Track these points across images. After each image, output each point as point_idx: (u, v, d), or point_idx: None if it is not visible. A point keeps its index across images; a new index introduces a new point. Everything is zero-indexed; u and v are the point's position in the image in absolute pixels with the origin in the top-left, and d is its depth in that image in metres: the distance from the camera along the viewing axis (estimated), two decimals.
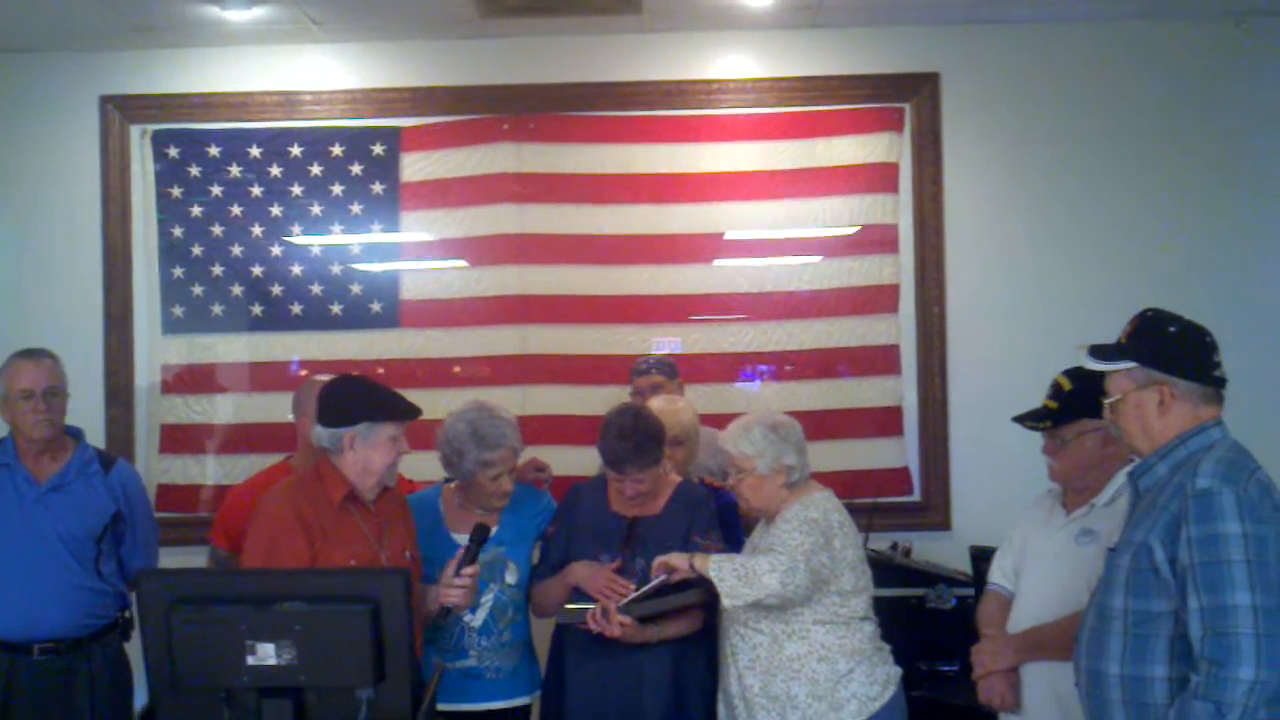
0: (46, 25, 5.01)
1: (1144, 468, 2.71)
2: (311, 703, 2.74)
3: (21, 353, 3.81)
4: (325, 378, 3.96)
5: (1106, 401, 2.75)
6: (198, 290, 5.26)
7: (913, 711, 3.60)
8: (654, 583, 3.44)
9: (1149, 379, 2.66)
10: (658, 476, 3.66)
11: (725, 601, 3.32)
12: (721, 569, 3.32)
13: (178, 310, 5.27)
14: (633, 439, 3.59)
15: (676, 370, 4.63)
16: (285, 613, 2.68)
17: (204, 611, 2.73)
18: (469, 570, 3.36)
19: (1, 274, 5.26)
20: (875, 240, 5.23)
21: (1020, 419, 3.35)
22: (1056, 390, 3.29)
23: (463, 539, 3.64)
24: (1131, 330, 2.73)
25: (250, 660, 2.68)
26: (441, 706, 3.50)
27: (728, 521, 3.75)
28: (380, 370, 5.11)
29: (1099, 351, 2.76)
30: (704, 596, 3.46)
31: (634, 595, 3.45)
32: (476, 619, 3.67)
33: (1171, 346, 2.67)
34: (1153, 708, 2.57)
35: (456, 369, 5.25)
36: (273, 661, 2.67)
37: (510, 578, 3.71)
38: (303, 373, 5.14)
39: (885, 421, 5.19)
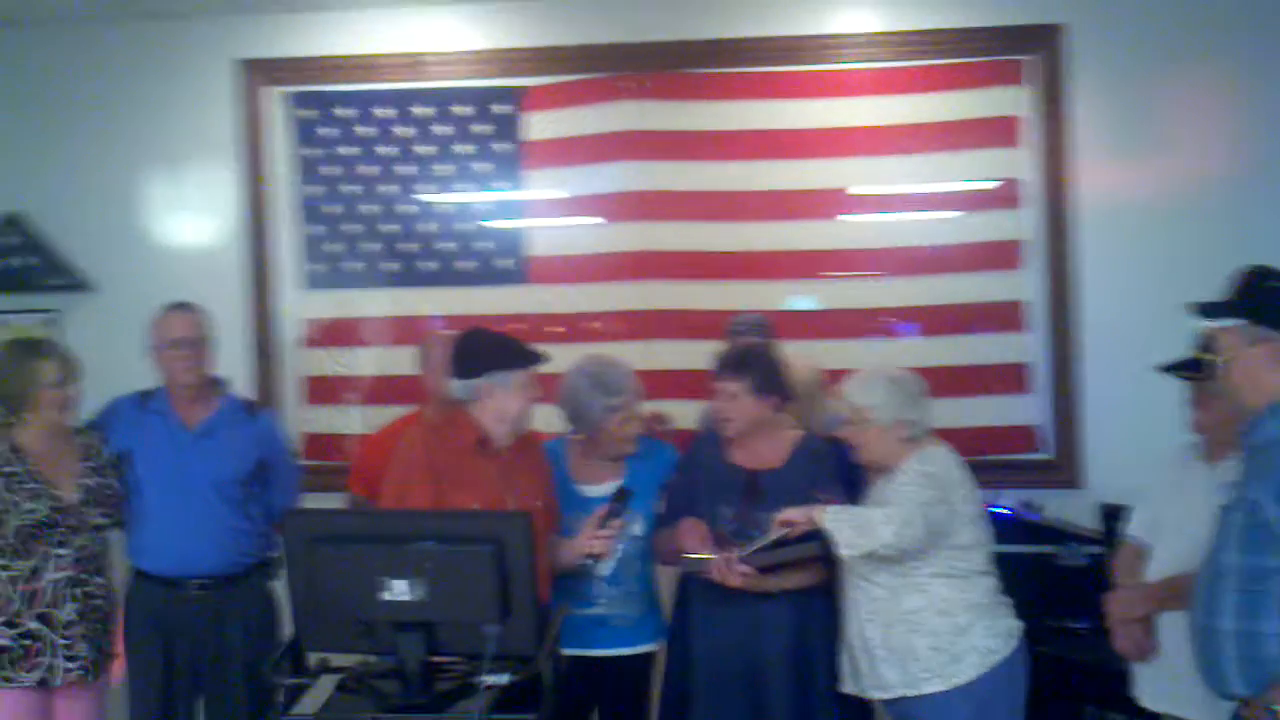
0: None
1: (1255, 424, 2.72)
2: (443, 637, 2.90)
3: (170, 305, 4.01)
4: (449, 333, 4.14)
5: (1216, 359, 2.75)
6: (335, 248, 5.45)
7: (1041, 668, 3.63)
8: (775, 534, 3.50)
9: (1257, 336, 2.66)
10: (748, 409, 3.69)
11: (842, 552, 3.38)
12: (838, 520, 3.39)
13: (317, 267, 5.47)
14: (740, 350, 3.73)
15: (771, 330, 4.64)
16: (416, 552, 2.84)
17: (342, 549, 2.91)
18: (616, 524, 3.52)
19: (149, 235, 5.49)
20: (998, 195, 5.19)
21: (1168, 368, 3.35)
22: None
23: (588, 489, 3.79)
24: (1238, 287, 2.73)
25: (385, 595, 2.85)
26: (570, 652, 3.63)
27: (853, 475, 3.75)
28: (505, 326, 5.19)
29: (1207, 309, 2.77)
30: (824, 549, 3.50)
31: (755, 546, 3.52)
32: (605, 568, 3.78)
33: (1278, 302, 2.67)
34: (1265, 663, 2.60)
35: (582, 323, 5.35)
36: (405, 597, 2.84)
37: (636, 529, 3.80)
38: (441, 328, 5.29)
39: (1012, 378, 5.16)
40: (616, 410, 3.76)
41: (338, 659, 3.09)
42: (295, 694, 3.04)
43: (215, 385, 4.08)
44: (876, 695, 3.52)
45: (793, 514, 3.46)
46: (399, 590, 2.85)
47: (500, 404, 3.50)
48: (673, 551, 3.73)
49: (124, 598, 3.95)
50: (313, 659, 3.09)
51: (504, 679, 2.80)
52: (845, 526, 3.38)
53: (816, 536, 3.49)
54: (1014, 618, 3.54)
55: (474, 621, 2.85)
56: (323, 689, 3.05)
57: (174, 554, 3.89)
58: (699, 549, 3.59)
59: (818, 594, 3.65)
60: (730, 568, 3.51)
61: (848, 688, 3.57)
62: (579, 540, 3.55)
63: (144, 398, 4.02)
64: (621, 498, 3.56)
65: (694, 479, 3.76)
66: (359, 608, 2.89)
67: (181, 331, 3.93)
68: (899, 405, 3.52)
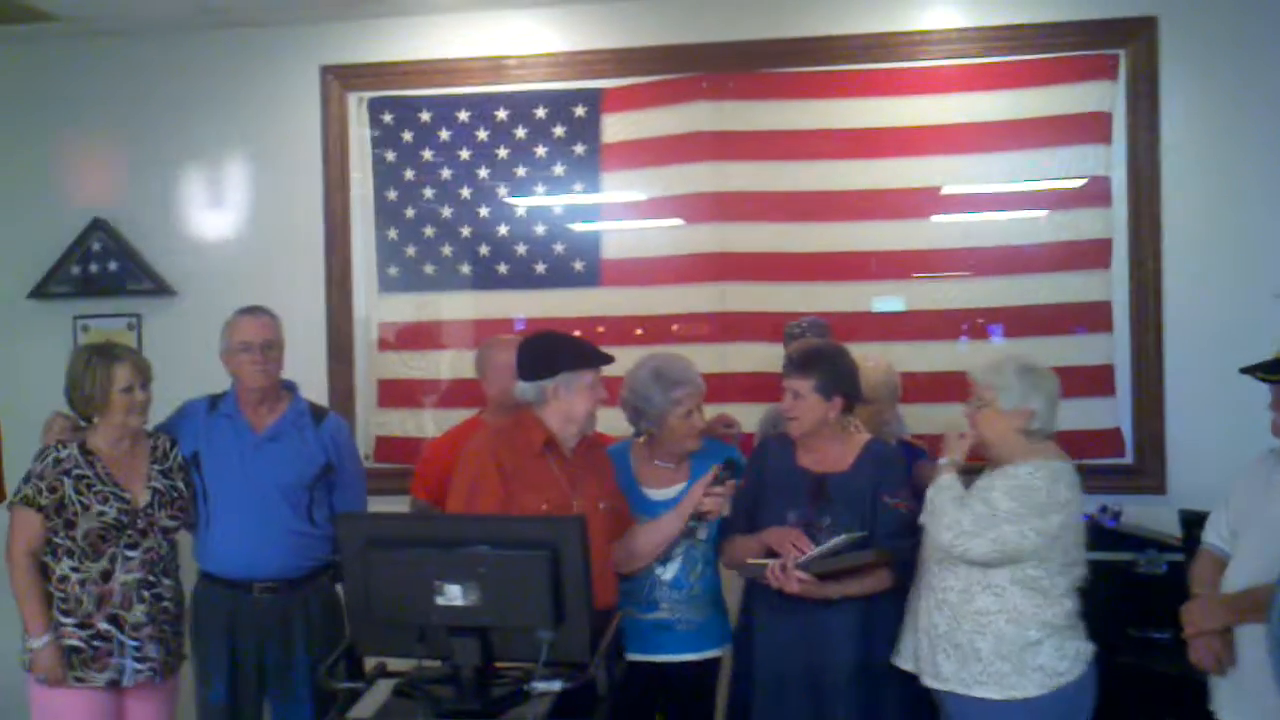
0: (270, 0, 5.25)
1: None
2: (497, 642, 2.87)
3: (243, 310, 4.05)
4: (507, 337, 4.14)
5: None
6: (411, 251, 5.46)
7: (1120, 679, 3.56)
8: (834, 541, 3.45)
9: None
10: (814, 407, 3.63)
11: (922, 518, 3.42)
12: (936, 496, 3.40)
13: (393, 270, 5.48)
14: (809, 349, 3.69)
15: (829, 332, 4.56)
16: (470, 556, 2.82)
17: (395, 553, 2.90)
18: (730, 484, 3.53)
19: (229, 240, 5.55)
20: (1087, 193, 5.02)
21: (1251, 370, 3.24)
22: None
23: (653, 493, 3.78)
24: None
25: (439, 600, 2.82)
26: (634, 657, 3.64)
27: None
28: (579, 329, 5.19)
29: None
30: (884, 556, 3.47)
31: (814, 553, 3.46)
32: (668, 572, 3.77)
33: None
34: None
35: (658, 326, 5.28)
36: (459, 602, 2.82)
37: (701, 532, 3.76)
38: (515, 330, 5.28)
39: (1096, 380, 4.99)
40: (678, 403, 3.73)
41: (395, 663, 3.07)
42: (351, 698, 3.02)
43: (284, 390, 4.09)
44: (930, 683, 3.45)
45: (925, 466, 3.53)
46: (453, 595, 2.83)
47: (567, 405, 3.51)
48: (737, 557, 3.68)
49: (191, 600, 3.98)
50: (370, 663, 3.07)
51: (556, 685, 2.75)
52: (933, 501, 3.39)
53: (876, 544, 3.47)
54: (1087, 640, 3.42)
55: (528, 626, 2.82)
56: (380, 693, 3.03)
57: (239, 557, 3.91)
58: (800, 545, 3.53)
59: (884, 600, 3.58)
60: (787, 574, 3.45)
61: (904, 664, 3.52)
62: (690, 496, 3.55)
63: (214, 401, 4.06)
64: (731, 466, 3.56)
65: (760, 483, 3.71)
66: (413, 612, 2.87)
67: (250, 335, 3.96)
68: (1026, 392, 3.42)
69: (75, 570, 3.67)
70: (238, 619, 3.93)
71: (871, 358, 4.27)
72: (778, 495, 3.67)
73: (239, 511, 3.89)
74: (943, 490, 3.41)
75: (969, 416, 3.51)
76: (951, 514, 3.33)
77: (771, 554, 3.56)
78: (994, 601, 3.34)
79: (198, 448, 3.95)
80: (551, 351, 3.57)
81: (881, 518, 3.57)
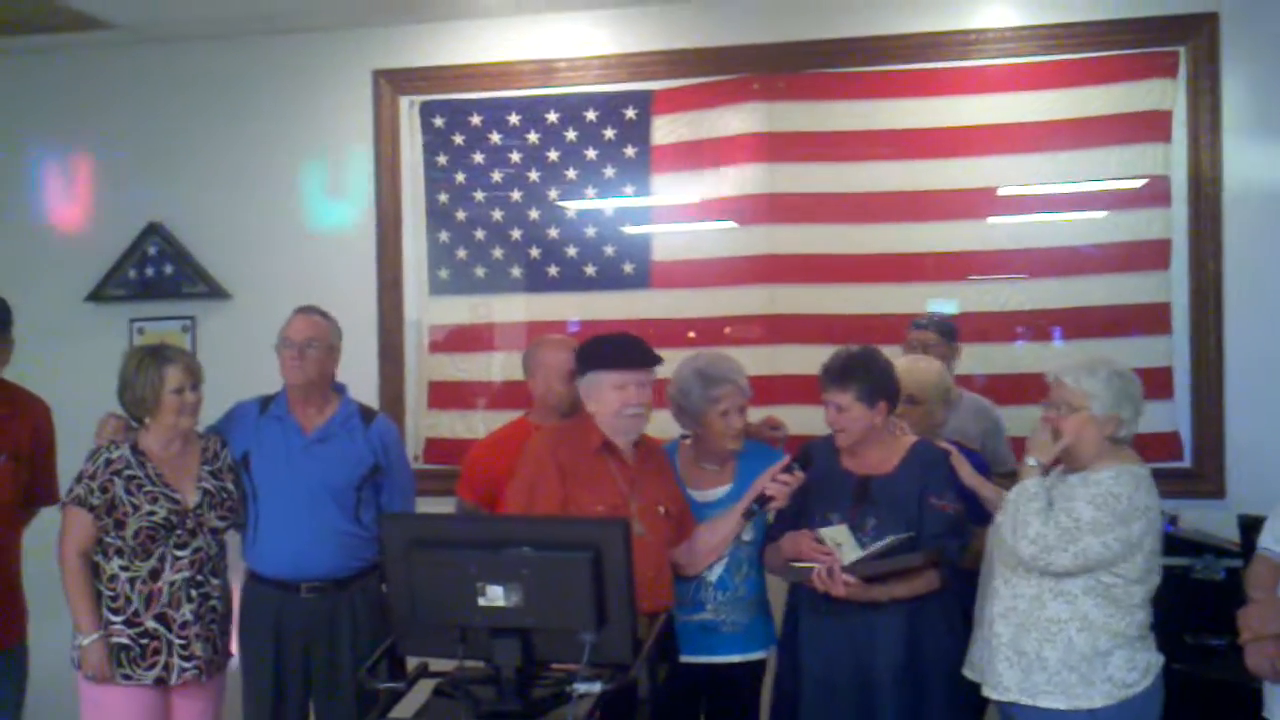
0: (323, 5, 5.28)
1: None
2: (539, 643, 2.85)
3: (299, 308, 4.09)
4: (554, 338, 4.18)
5: None
6: (462, 254, 5.47)
7: (1176, 686, 3.45)
8: (882, 543, 3.42)
9: None
10: (860, 417, 3.59)
11: (997, 518, 3.34)
12: (1017, 501, 3.28)
13: (444, 273, 5.50)
14: (844, 360, 3.60)
15: (955, 333, 4.57)
16: (512, 557, 2.80)
17: (438, 554, 2.89)
18: (798, 475, 3.53)
19: (282, 243, 5.58)
20: (1146, 193, 4.93)
21: None
22: None
23: (698, 494, 3.79)
24: None
25: (482, 601, 2.81)
26: (680, 659, 3.59)
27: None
28: (629, 331, 5.14)
29: None
30: (931, 558, 3.43)
31: (862, 555, 3.43)
32: (713, 573, 3.75)
33: None
34: None
35: (709, 328, 5.26)
36: (501, 603, 2.80)
37: (746, 534, 3.76)
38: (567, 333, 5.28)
39: (1155, 383, 4.81)
40: (716, 402, 3.70)
41: (437, 664, 3.06)
42: (393, 698, 3.02)
43: (334, 391, 4.10)
44: (990, 694, 3.38)
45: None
46: (495, 596, 2.80)
47: (598, 406, 3.55)
48: (782, 561, 3.65)
49: (239, 600, 4.01)
50: (412, 664, 3.07)
51: (597, 687, 2.73)
52: (1011, 512, 3.28)
53: (925, 545, 3.43)
54: (1157, 652, 3.35)
55: (570, 628, 2.80)
56: (421, 694, 3.03)
57: (287, 558, 3.93)
58: (817, 556, 3.50)
59: (932, 602, 3.53)
60: (833, 577, 3.41)
61: (968, 673, 3.46)
62: (755, 483, 3.58)
63: (265, 403, 4.08)
64: (805, 458, 3.59)
65: (805, 487, 3.66)
66: (455, 612, 2.86)
67: (292, 332, 3.99)
68: (1117, 399, 3.33)
69: (125, 569, 3.71)
70: (284, 619, 3.94)
71: (923, 358, 4.23)
72: (821, 499, 3.64)
73: (287, 512, 3.91)
74: (1028, 498, 3.28)
75: (1051, 420, 3.40)
76: (1036, 527, 3.22)
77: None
78: (1066, 609, 3.26)
79: (248, 448, 3.97)
80: (585, 354, 3.65)
81: (927, 519, 3.52)
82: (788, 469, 3.54)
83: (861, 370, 3.60)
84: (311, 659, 3.96)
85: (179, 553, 3.74)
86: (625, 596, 2.80)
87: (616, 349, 3.61)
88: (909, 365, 4.05)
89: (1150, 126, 4.93)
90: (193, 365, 3.85)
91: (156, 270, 5.59)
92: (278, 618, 3.94)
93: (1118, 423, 3.32)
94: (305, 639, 3.95)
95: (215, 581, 3.84)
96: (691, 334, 5.26)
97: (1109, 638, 3.24)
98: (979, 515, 3.64)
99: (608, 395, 3.51)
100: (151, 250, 5.60)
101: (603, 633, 2.79)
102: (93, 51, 5.68)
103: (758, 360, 5.02)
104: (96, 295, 5.66)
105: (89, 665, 3.69)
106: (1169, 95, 4.91)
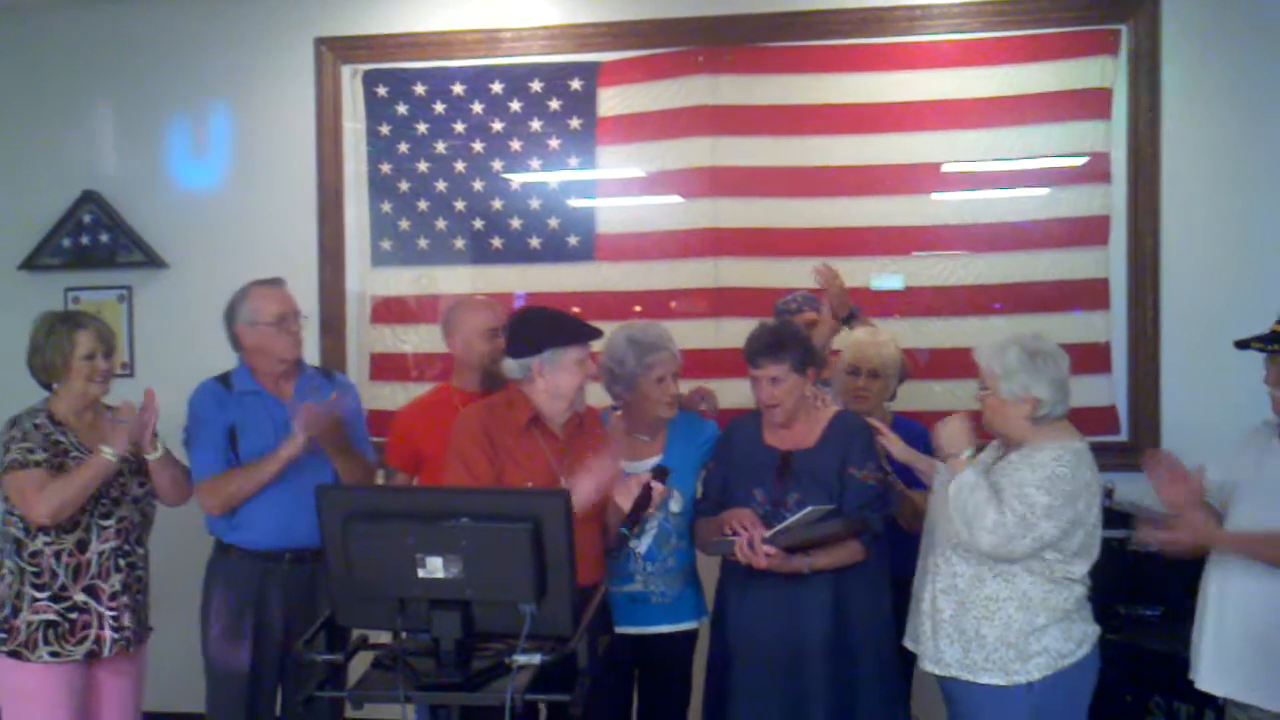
0: None
1: None
2: (478, 615, 2.84)
3: (261, 282, 3.96)
4: (475, 298, 4.17)
5: None
6: (405, 225, 5.43)
7: (1111, 656, 3.50)
8: (801, 513, 3.43)
9: None
10: (794, 388, 3.60)
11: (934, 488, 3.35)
12: (960, 495, 3.24)
13: (386, 244, 5.45)
14: (772, 332, 3.61)
15: (819, 305, 4.51)
16: (451, 529, 2.78)
17: (376, 526, 2.85)
18: (662, 487, 3.44)
19: (223, 210, 5.51)
20: (1086, 170, 4.98)
21: (1245, 342, 3.19)
22: None
23: (629, 465, 3.74)
24: None
25: (421, 573, 2.79)
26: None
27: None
28: (574, 304, 5.16)
29: None
30: (853, 528, 3.45)
31: (781, 526, 3.44)
32: (641, 545, 3.76)
33: None
34: None
35: (651, 301, 5.24)
36: (441, 575, 2.78)
37: (674, 505, 3.76)
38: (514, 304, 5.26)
39: (1092, 358, 4.94)
40: (652, 368, 3.70)
41: (376, 635, 3.04)
42: (334, 671, 2.99)
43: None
44: (931, 669, 3.40)
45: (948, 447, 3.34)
46: (434, 567, 2.78)
47: (554, 382, 3.50)
48: (705, 537, 3.68)
49: (209, 573, 3.94)
50: (353, 635, 3.05)
51: (537, 659, 2.72)
52: (959, 507, 3.24)
53: (844, 514, 3.44)
54: (1092, 623, 3.38)
55: (510, 600, 2.79)
56: (360, 665, 3.00)
57: (274, 526, 3.84)
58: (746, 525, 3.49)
59: (858, 572, 3.55)
60: (755, 549, 3.42)
61: (908, 644, 3.50)
62: (620, 497, 3.47)
63: (224, 382, 3.97)
64: (660, 475, 3.49)
65: (729, 463, 3.68)
66: (394, 585, 2.83)
67: (286, 306, 3.91)
68: (1028, 380, 3.29)
69: (49, 544, 3.63)
70: (265, 589, 3.87)
71: (881, 331, 4.25)
72: (744, 475, 3.65)
73: (275, 484, 3.81)
74: (970, 489, 3.24)
75: (979, 401, 3.42)
76: (992, 516, 3.20)
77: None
78: (1003, 588, 3.28)
79: (233, 423, 3.88)
80: (537, 328, 3.56)
81: (849, 491, 3.54)
82: (648, 485, 3.45)
83: (792, 340, 3.63)
84: (290, 629, 3.83)
85: (104, 522, 3.68)
86: (565, 568, 2.79)
87: (571, 324, 3.57)
88: (868, 339, 4.09)
89: (1091, 104, 4.97)
90: (105, 333, 3.76)
91: (92, 239, 5.49)
92: (259, 588, 3.86)
93: (1034, 403, 3.28)
94: (285, 608, 3.86)
95: (140, 550, 3.80)
96: (637, 307, 5.23)
97: (1047, 613, 3.27)
98: (918, 480, 3.68)
99: (569, 370, 3.47)
100: (87, 219, 5.50)
101: (543, 604, 2.78)
102: (27, 15, 5.57)
103: (703, 333, 5.03)
104: (30, 264, 5.56)
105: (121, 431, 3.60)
106: (1110, 73, 4.96)
